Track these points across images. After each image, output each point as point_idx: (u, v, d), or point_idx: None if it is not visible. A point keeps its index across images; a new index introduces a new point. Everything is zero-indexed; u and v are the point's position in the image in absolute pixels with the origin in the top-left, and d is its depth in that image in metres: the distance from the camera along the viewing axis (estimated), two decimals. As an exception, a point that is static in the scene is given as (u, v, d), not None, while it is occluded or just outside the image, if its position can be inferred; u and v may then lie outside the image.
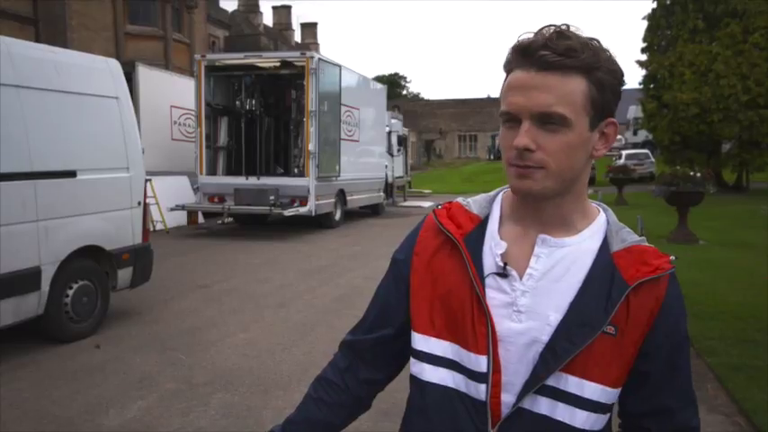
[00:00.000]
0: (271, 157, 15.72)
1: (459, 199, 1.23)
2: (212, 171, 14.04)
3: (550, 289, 1.07)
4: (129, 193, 6.29)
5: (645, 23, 26.17)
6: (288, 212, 12.85)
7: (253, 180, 13.45)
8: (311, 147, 12.95)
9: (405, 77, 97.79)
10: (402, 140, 21.66)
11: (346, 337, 1.33)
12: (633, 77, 38.66)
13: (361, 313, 1.32)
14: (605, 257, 1.08)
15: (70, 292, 5.63)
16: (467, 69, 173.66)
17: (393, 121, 20.54)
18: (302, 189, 13.09)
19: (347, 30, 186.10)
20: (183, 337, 5.80)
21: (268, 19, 55.06)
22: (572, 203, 1.10)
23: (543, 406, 1.06)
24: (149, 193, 8.30)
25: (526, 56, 1.01)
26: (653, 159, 30.05)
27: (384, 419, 3.55)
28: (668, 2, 24.87)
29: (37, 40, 18.63)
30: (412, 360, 1.19)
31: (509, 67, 1.06)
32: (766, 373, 4.61)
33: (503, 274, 1.09)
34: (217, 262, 9.86)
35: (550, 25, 1.03)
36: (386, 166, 18.74)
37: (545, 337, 1.05)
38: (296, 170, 14.66)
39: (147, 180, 6.84)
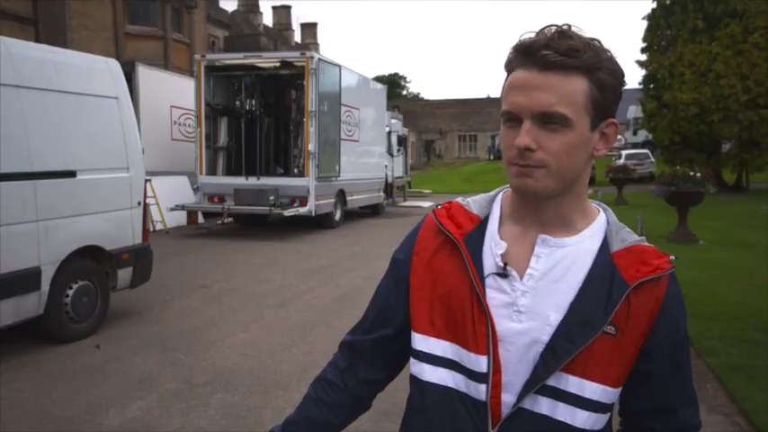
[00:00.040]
0: (271, 157, 15.72)
1: (459, 199, 1.23)
2: (212, 171, 14.04)
3: (551, 289, 1.07)
4: (128, 193, 6.29)
5: (645, 23, 26.21)
6: (288, 212, 12.85)
7: (253, 180, 13.46)
8: (311, 147, 12.95)
9: (405, 77, 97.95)
10: (402, 140, 21.67)
11: (346, 337, 1.33)
12: (633, 77, 38.67)
13: (362, 313, 1.32)
14: (605, 257, 1.08)
15: (70, 292, 5.63)
16: (467, 69, 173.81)
17: (393, 121, 20.55)
18: (302, 189, 13.09)
19: (347, 30, 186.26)
20: (183, 338, 5.80)
21: (268, 19, 55.16)
22: (572, 203, 1.10)
23: (544, 406, 1.06)
24: (149, 193, 8.30)
25: (528, 55, 1.01)
26: (653, 159, 30.04)
27: (384, 419, 3.55)
28: (668, 2, 24.87)
29: (37, 41, 18.63)
30: (412, 360, 1.19)
31: (510, 66, 1.06)
32: (766, 373, 4.61)
33: (503, 274, 1.09)
34: (217, 262, 9.86)
35: (552, 25, 1.03)
36: (386, 167, 18.74)
37: (545, 338, 1.05)
38: (296, 170, 14.67)
39: (146, 180, 6.84)
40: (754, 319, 5.99)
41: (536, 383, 1.05)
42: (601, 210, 1.16)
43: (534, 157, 1.01)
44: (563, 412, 1.06)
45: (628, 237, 1.11)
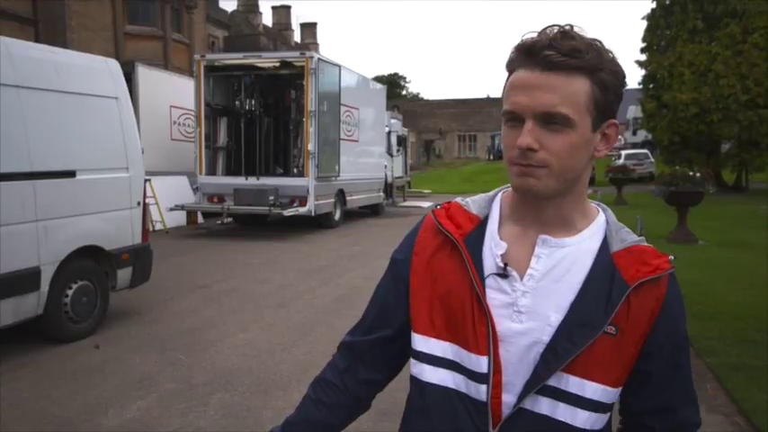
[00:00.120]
0: (270, 157, 15.72)
1: (458, 199, 1.23)
2: (212, 171, 14.04)
3: (551, 289, 1.07)
4: (128, 193, 6.29)
5: (644, 23, 26.23)
6: (287, 212, 12.86)
7: (252, 180, 13.45)
8: (311, 147, 12.95)
9: (404, 77, 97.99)
10: (401, 140, 21.68)
11: (345, 338, 1.33)
12: (632, 77, 38.63)
13: (361, 313, 1.32)
14: (605, 257, 1.08)
15: (70, 293, 5.63)
16: (466, 69, 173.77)
17: (393, 121, 20.55)
18: (302, 189, 13.09)
19: (347, 30, 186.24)
20: (183, 338, 5.80)
21: (267, 19, 55.15)
22: (572, 203, 1.10)
23: (544, 406, 1.06)
24: (149, 193, 8.30)
25: (530, 55, 1.01)
26: (652, 159, 30.04)
27: (383, 419, 3.55)
28: (668, 2, 24.88)
29: (36, 41, 18.62)
30: (412, 361, 1.19)
31: (512, 66, 1.05)
32: (765, 373, 4.61)
33: (503, 274, 1.09)
34: (216, 262, 9.85)
35: (554, 25, 1.03)
36: (385, 166, 18.74)
37: (546, 338, 1.05)
38: (295, 170, 14.67)
39: (146, 180, 6.84)
40: (754, 319, 5.99)
41: (537, 384, 1.05)
42: (600, 210, 1.16)
43: (536, 156, 1.01)
44: (563, 412, 1.06)
45: (627, 237, 1.11)
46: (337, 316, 6.48)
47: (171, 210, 13.37)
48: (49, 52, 5.75)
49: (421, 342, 1.16)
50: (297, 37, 58.82)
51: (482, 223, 1.16)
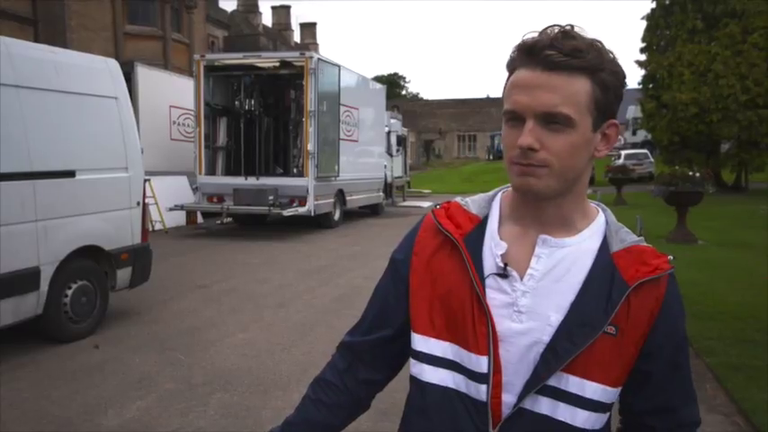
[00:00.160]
0: (270, 157, 15.72)
1: (458, 199, 1.23)
2: (211, 171, 14.04)
3: (551, 289, 1.07)
4: (128, 193, 6.29)
5: (644, 23, 26.24)
6: (287, 212, 12.86)
7: (252, 180, 13.45)
8: (310, 147, 12.95)
9: (404, 77, 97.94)
10: (401, 140, 21.68)
11: (345, 338, 1.33)
12: (632, 77, 38.63)
13: (361, 313, 1.32)
14: (605, 258, 1.09)
15: (69, 292, 5.63)
16: (466, 69, 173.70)
17: (392, 121, 20.55)
18: (301, 189, 13.09)
19: (346, 30, 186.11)
20: (183, 338, 5.80)
21: (267, 19, 55.12)
22: (572, 203, 1.10)
23: (544, 406, 1.06)
24: (148, 193, 8.29)
25: (531, 55, 1.01)
26: (652, 159, 30.06)
27: (383, 419, 3.55)
28: (667, 2, 24.89)
29: (36, 41, 18.62)
30: (412, 361, 1.19)
31: (513, 65, 1.06)
32: (765, 372, 4.61)
33: (503, 274, 1.09)
34: (216, 262, 9.85)
35: (555, 25, 1.03)
36: (385, 166, 18.74)
37: (546, 338, 1.05)
38: (295, 170, 14.67)
39: (146, 180, 6.84)
40: (754, 319, 6.00)
41: (537, 383, 1.05)
42: (600, 210, 1.16)
43: (537, 156, 1.01)
44: (563, 412, 1.06)
45: (627, 237, 1.11)
46: (337, 316, 6.48)
47: (170, 210, 13.37)
48: (48, 52, 5.75)
49: (421, 342, 1.16)
50: (296, 37, 58.85)
51: (482, 223, 1.16)
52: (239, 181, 13.54)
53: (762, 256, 9.62)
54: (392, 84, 61.25)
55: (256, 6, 49.71)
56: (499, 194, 1.20)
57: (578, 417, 1.06)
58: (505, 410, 1.07)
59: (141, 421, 4.02)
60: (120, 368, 4.98)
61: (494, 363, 1.07)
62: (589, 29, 1.04)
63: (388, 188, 19.39)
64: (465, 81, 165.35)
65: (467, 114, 56.52)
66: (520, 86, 1.02)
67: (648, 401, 1.13)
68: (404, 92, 74.17)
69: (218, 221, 14.53)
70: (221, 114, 14.44)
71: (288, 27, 57.46)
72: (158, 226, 13.29)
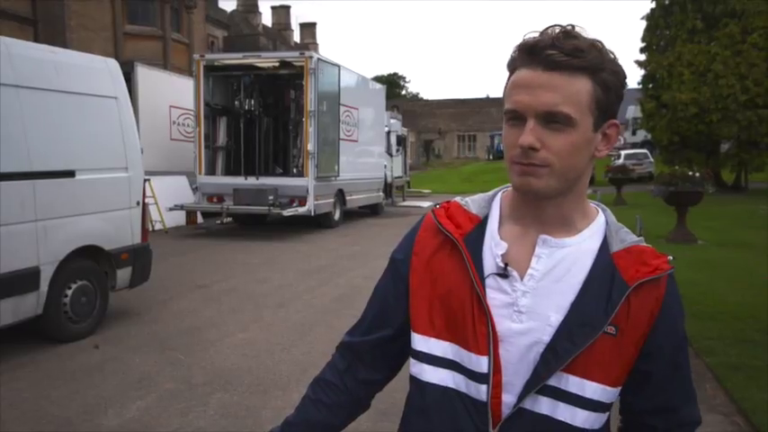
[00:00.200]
0: (270, 157, 15.71)
1: (458, 198, 1.23)
2: (211, 171, 14.04)
3: (551, 289, 1.07)
4: (127, 192, 6.29)
5: (644, 23, 26.26)
6: (287, 212, 12.86)
7: (252, 180, 13.45)
8: (310, 147, 12.95)
9: (404, 77, 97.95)
10: (401, 140, 21.68)
11: (344, 338, 1.33)
12: (632, 77, 38.59)
13: (360, 313, 1.32)
14: (605, 258, 1.09)
15: (69, 292, 5.63)
16: (466, 69, 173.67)
17: (392, 120, 20.55)
18: (301, 189, 13.09)
19: (346, 30, 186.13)
20: (182, 337, 5.80)
21: (267, 19, 55.15)
22: (573, 203, 1.10)
23: (544, 406, 1.06)
24: (148, 192, 8.29)
25: (532, 55, 1.02)
26: (652, 159, 30.06)
27: (383, 419, 3.55)
28: (667, 2, 24.91)
29: (36, 41, 18.61)
30: (412, 360, 1.19)
31: (514, 65, 1.06)
32: (765, 372, 4.61)
33: (503, 274, 1.09)
34: (216, 262, 9.85)
35: (556, 25, 1.03)
36: (385, 166, 18.74)
37: (546, 338, 1.05)
38: (295, 170, 14.66)
39: (145, 180, 6.83)
40: (753, 319, 6.00)
41: (537, 383, 1.05)
42: (599, 210, 1.16)
43: (538, 156, 1.01)
44: (563, 412, 1.06)
45: (627, 237, 1.12)
46: (336, 316, 6.48)
47: (170, 210, 13.37)
48: (48, 52, 5.75)
49: (421, 342, 1.16)
50: (296, 37, 58.86)
51: (482, 223, 1.16)
52: (239, 181, 13.54)
53: (762, 256, 9.62)
54: (392, 84, 61.26)
55: (256, 6, 49.73)
56: (499, 194, 1.20)
57: (578, 416, 1.06)
58: (505, 410, 1.07)
59: (141, 421, 4.02)
60: (119, 368, 4.98)
61: (494, 363, 1.07)
62: (589, 29, 1.04)
63: (387, 188, 19.39)
64: (465, 81, 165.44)
65: (466, 114, 56.51)
66: (521, 86, 1.02)
67: (649, 401, 1.13)
68: (404, 92, 74.19)
69: (218, 221, 14.53)
70: (221, 114, 14.44)
71: (288, 27, 57.48)
72: (158, 226, 13.29)
